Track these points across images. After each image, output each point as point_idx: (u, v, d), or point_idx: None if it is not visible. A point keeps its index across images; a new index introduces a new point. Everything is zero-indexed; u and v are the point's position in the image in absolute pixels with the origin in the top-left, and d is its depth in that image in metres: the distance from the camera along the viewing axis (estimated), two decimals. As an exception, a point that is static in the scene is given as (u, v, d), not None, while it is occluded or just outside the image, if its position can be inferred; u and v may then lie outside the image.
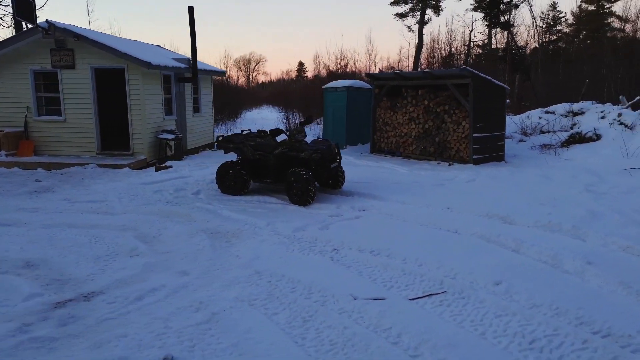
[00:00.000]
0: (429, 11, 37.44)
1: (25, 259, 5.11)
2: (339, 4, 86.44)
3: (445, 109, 12.07)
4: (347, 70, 26.04)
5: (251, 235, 6.06)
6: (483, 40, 39.13)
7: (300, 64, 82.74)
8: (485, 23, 41.53)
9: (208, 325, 3.63)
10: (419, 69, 35.37)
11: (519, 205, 7.37)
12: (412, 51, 38.38)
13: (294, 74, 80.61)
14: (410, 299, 4.15)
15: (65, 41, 11.35)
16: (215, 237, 5.94)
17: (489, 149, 11.88)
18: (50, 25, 11.00)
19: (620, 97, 14.80)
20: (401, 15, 39.27)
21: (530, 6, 49.32)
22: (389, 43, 70.00)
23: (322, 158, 7.89)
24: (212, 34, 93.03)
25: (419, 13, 37.66)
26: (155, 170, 10.56)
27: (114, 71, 11.97)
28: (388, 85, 13.48)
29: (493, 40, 35.67)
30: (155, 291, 4.26)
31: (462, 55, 36.43)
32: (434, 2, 36.98)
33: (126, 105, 11.78)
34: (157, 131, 12.11)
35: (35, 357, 3.18)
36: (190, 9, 13.03)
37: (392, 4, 38.74)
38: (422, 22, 37.42)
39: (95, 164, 10.79)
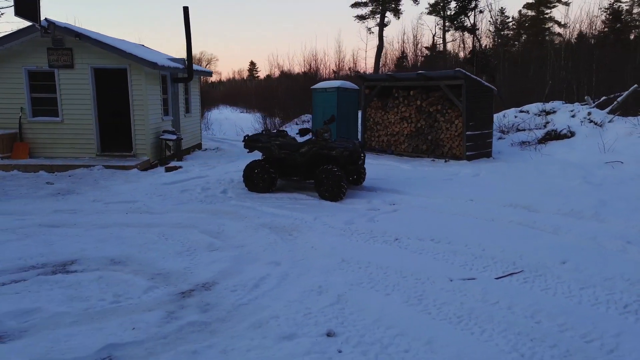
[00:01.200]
0: (388, 14, 38.59)
1: (108, 257, 5.19)
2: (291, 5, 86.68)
3: (438, 108, 12.75)
4: (319, 71, 26.43)
5: (308, 228, 6.36)
6: (438, 42, 40.73)
7: (252, 64, 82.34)
8: (439, 26, 43.33)
9: (340, 305, 3.95)
10: (379, 70, 36.42)
11: (534, 196, 8.06)
12: (369, 53, 39.40)
13: (245, 74, 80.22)
14: (497, 278, 4.63)
15: (63, 40, 11.11)
16: (277, 232, 6.20)
17: (479, 146, 12.68)
18: (50, 23, 10.74)
19: (585, 97, 16.09)
20: (361, 18, 40.22)
21: (490, 11, 51.68)
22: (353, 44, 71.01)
23: (350, 155, 8.29)
24: (166, 31, 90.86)
25: (378, 16, 38.72)
26: (166, 171, 10.56)
27: (108, 71, 11.82)
28: (379, 86, 14.04)
29: (461, 44, 37.03)
30: (265, 279, 4.51)
31: (418, 57, 37.82)
32: (393, 5, 38.12)
33: (123, 106, 11.67)
34: (158, 132, 12.06)
35: (206, 339, 3.39)
36: (185, 9, 13.04)
37: (352, 6, 39.60)
38: (382, 25, 38.47)
39: (102, 166, 10.64)
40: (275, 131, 9.39)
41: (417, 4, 42.34)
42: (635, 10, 41.94)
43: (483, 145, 12.85)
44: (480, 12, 31.19)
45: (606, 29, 35.96)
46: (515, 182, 9.45)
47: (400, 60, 43.56)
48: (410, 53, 38.54)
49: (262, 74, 70.57)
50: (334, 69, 29.78)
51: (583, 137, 13.63)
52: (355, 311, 3.84)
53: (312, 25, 71.59)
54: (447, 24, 42.48)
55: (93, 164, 10.74)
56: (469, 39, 37.40)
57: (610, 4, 38.74)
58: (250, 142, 8.78)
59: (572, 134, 13.92)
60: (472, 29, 29.23)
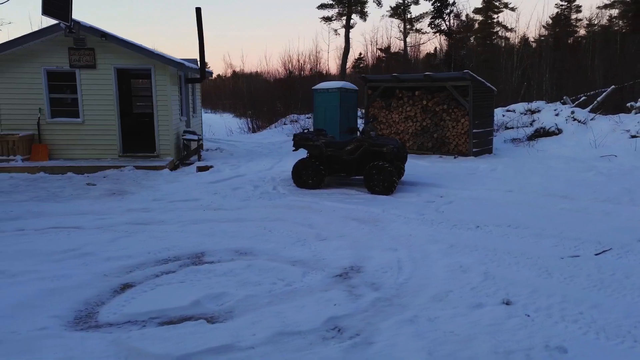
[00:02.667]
0: (354, 16, 39.45)
1: (231, 248, 5.44)
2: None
3: (444, 108, 13.53)
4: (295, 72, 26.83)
5: (387, 220, 6.81)
6: (397, 45, 42.04)
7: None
8: (401, 29, 44.76)
9: (492, 280, 4.45)
10: (345, 72, 37.27)
11: (561, 186, 8.91)
12: (332, 54, 39.99)
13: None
14: (596, 254, 5.30)
15: (85, 40, 10.98)
16: (364, 223, 6.63)
17: (482, 143, 13.57)
18: (75, 23, 10.60)
19: (564, 97, 17.41)
20: (327, 19, 40.89)
21: (459, 14, 53.90)
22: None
23: (398, 152, 8.83)
24: (116, 27, 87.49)
25: (344, 18, 39.50)
26: (198, 171, 10.68)
27: (128, 71, 11.77)
28: (382, 86, 14.67)
29: (437, 45, 38.35)
30: (401, 263, 4.95)
31: (376, 59, 39.13)
32: (359, 8, 39.02)
33: (128, 106, 11.65)
34: (179, 132, 12.12)
35: (402, 310, 3.81)
36: (198, 10, 13.13)
37: (319, 7, 40.16)
38: (348, 27, 39.24)
39: (133, 166, 10.62)
40: (313, 130, 9.78)
41: (381, 6, 43.27)
42: (574, 16, 45.30)
43: (485, 142, 13.75)
44: (457, 16, 32.52)
45: (552, 33, 38.59)
46: (533, 174, 10.30)
47: (357, 61, 44.80)
48: (371, 54, 39.82)
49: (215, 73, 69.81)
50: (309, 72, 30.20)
51: (570, 134, 14.84)
52: (508, 284, 4.37)
53: (282, 26, 71.43)
54: (407, 26, 44.14)
55: (122, 165, 10.69)
56: (433, 40, 38.72)
57: (561, 9, 41.41)
58: (301, 141, 9.12)
59: (560, 131, 15.11)
60: (448, 32, 30.53)
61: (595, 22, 40.74)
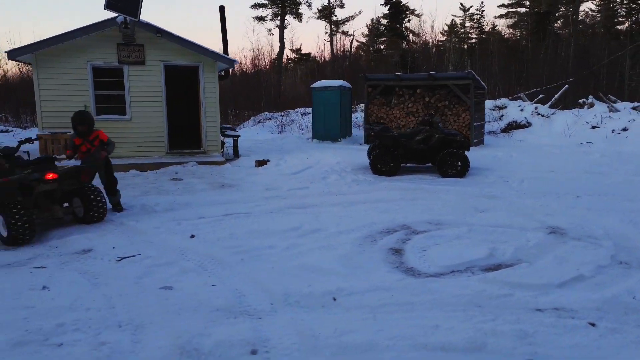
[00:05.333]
0: (288, 17, 40.36)
1: (424, 220, 6.29)
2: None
3: (445, 104, 15.12)
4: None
5: (500, 195, 8.02)
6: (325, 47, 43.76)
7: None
8: (327, 31, 46.56)
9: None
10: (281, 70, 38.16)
11: (586, 166, 10.77)
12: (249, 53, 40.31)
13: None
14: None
15: (134, 36, 10.87)
16: (488, 199, 7.78)
17: (478, 135, 15.37)
18: (131, 19, 10.49)
19: (520, 94, 19.98)
20: (260, 19, 41.34)
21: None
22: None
23: (466, 140, 10.10)
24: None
25: (279, 18, 40.26)
26: (257, 166, 11.07)
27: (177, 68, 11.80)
28: (383, 85, 15.94)
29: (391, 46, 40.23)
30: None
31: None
32: (294, 9, 39.98)
33: (181, 103, 11.79)
34: (221, 129, 12.34)
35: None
36: (222, 9, 13.42)
37: (252, 7, 40.49)
38: (282, 27, 40.08)
39: (195, 162, 10.77)
40: (380, 123, 10.75)
41: (311, 8, 44.62)
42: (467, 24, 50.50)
43: (480, 134, 15.59)
44: (418, 16, 34.85)
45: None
46: (547, 158, 12.12)
47: (276, 60, 45.94)
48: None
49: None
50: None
51: (539, 127, 17.25)
52: None
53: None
54: (333, 28, 46.05)
55: (170, 162, 10.77)
56: (330, 40, 41.02)
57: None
58: (382, 132, 10.02)
59: (530, 124, 17.47)
60: (402, 34, 32.57)
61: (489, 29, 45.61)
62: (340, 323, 3.42)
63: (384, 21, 41.66)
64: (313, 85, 17.09)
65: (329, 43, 44.08)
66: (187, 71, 12.20)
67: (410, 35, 54.30)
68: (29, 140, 6.64)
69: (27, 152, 6.89)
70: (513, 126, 17.58)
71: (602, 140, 14.71)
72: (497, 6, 61.06)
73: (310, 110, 23.28)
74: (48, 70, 10.53)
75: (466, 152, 9.96)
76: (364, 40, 48.57)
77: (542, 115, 17.67)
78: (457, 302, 3.80)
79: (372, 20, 55.32)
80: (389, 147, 10.05)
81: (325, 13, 44.78)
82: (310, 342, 3.16)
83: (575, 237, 5.54)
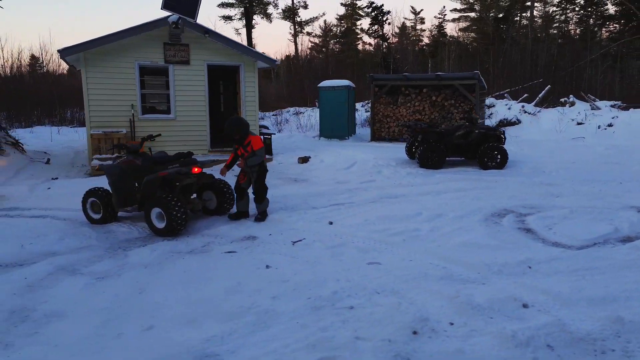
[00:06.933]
0: (257, 17, 40.43)
1: (522, 205, 7.04)
2: None
3: (452, 102, 16.11)
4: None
5: (552, 183, 8.95)
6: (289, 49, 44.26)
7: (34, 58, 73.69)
8: (291, 32, 47.03)
9: None
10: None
11: (598, 158, 11.99)
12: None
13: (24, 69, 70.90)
14: None
15: (180, 36, 11.01)
16: (546, 186, 8.66)
17: (481, 132, 16.48)
18: (181, 18, 10.63)
19: (505, 94, 21.40)
20: (227, 18, 41.19)
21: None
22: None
23: (503, 135, 11.02)
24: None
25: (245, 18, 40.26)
26: (300, 162, 11.49)
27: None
28: (389, 85, 16.73)
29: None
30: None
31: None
32: (263, 9, 40.10)
33: (217, 101, 12.03)
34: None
35: None
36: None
37: (219, 6, 40.25)
38: (249, 26, 40.09)
39: (245, 159, 11.04)
40: (416, 121, 11.47)
41: (277, 8, 44.88)
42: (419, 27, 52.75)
43: (482, 131, 16.70)
44: (389, 12, 36.00)
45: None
46: (556, 152, 13.32)
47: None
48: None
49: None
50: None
51: (528, 124, 18.63)
52: None
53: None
54: (297, 28, 46.65)
55: (215, 159, 11.03)
56: (302, 40, 41.84)
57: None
58: (427, 128, 10.75)
59: (519, 121, 18.83)
60: (383, 37, 33.54)
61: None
62: (562, 284, 4.05)
63: (337, 22, 42.56)
64: (320, 85, 17.61)
65: (293, 44, 44.72)
66: (221, 71, 12.42)
67: (392, 37, 55.98)
68: (150, 137, 6.81)
69: (150, 149, 7.03)
70: (504, 123, 18.86)
71: (592, 135, 16.18)
72: (450, 10, 63.89)
73: (304, 109, 23.85)
74: (94, 70, 10.48)
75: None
76: (316, 41, 49.68)
77: (529, 113, 19.07)
78: (632, 265, 4.53)
79: (325, 22, 56.38)
80: (434, 142, 10.80)
81: (289, 14, 45.23)
82: (560, 298, 3.78)
83: (661, 213, 6.47)
